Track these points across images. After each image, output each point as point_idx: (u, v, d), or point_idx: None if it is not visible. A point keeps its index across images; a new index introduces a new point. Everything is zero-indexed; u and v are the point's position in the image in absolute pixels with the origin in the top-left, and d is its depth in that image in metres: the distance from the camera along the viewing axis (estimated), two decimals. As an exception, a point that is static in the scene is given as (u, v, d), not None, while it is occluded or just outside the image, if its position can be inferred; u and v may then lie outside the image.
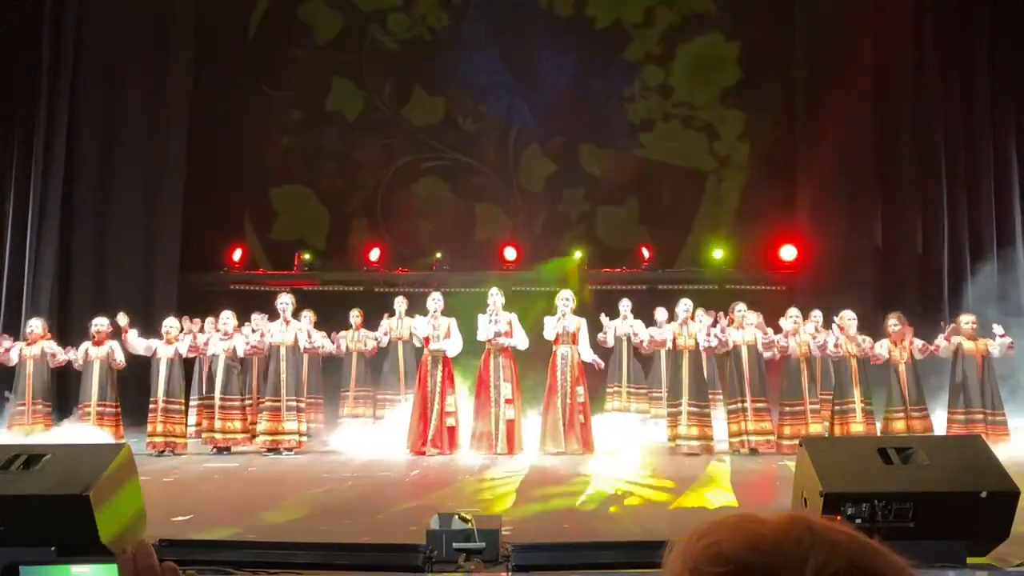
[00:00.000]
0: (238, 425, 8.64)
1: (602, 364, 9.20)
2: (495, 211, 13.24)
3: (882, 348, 8.29)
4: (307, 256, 12.55)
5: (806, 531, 0.82)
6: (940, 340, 8.41)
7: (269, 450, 8.34)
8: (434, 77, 13.31)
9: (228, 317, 8.83)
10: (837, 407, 8.30)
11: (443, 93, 13.30)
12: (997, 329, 8.40)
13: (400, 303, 9.80)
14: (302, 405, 8.64)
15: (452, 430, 8.35)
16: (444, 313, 8.56)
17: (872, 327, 8.56)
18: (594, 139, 13.18)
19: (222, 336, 8.72)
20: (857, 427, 8.07)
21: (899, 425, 8.15)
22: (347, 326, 9.89)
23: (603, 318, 9.43)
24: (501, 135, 13.40)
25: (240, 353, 8.66)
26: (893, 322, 8.42)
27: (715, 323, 8.72)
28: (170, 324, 8.83)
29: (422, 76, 13.34)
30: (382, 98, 13.41)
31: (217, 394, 8.62)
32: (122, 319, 8.55)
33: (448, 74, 13.22)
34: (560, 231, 13.04)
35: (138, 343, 8.65)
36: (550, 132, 13.23)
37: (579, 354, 8.46)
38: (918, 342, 8.43)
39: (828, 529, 0.83)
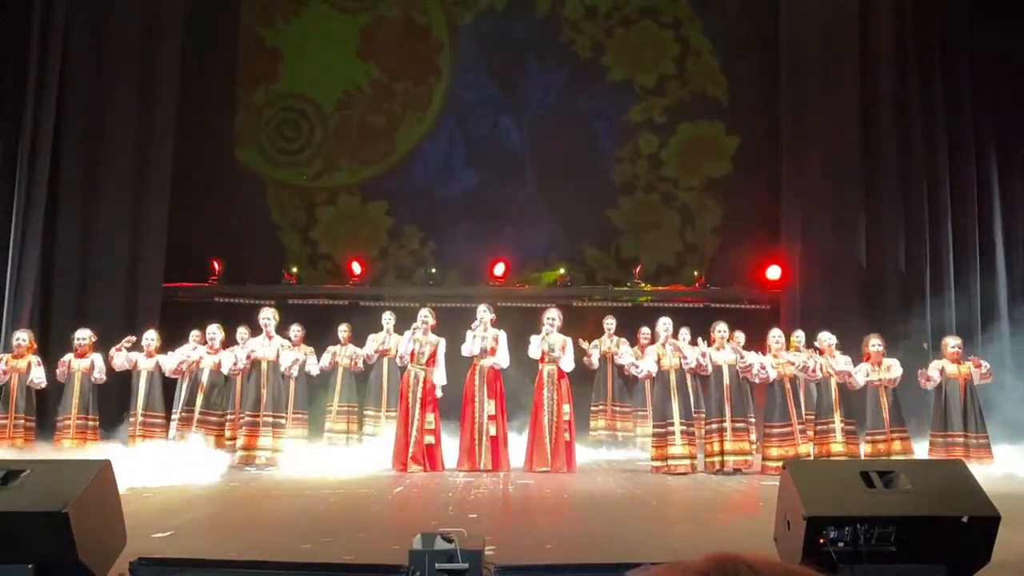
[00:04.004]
0: (219, 440, 8.61)
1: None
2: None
3: (859, 374, 8.30)
4: (295, 269, 12.50)
5: (743, 566, 0.84)
6: (931, 371, 8.42)
7: (244, 465, 8.29)
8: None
9: (214, 331, 8.83)
10: (819, 427, 8.32)
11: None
12: (985, 364, 8.40)
13: (388, 318, 9.76)
14: (281, 421, 8.60)
15: (431, 448, 8.30)
16: (433, 330, 8.54)
17: (855, 347, 8.58)
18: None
19: (208, 350, 8.72)
20: (837, 447, 8.10)
21: (882, 447, 8.17)
22: (334, 340, 9.85)
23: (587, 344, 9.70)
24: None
25: (225, 371, 8.63)
26: (875, 343, 8.44)
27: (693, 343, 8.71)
28: (150, 337, 8.83)
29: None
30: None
31: (197, 407, 8.59)
32: (150, 336, 8.76)
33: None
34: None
35: (121, 358, 8.68)
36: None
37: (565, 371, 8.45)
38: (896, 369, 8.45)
39: (758, 561, 0.85)
